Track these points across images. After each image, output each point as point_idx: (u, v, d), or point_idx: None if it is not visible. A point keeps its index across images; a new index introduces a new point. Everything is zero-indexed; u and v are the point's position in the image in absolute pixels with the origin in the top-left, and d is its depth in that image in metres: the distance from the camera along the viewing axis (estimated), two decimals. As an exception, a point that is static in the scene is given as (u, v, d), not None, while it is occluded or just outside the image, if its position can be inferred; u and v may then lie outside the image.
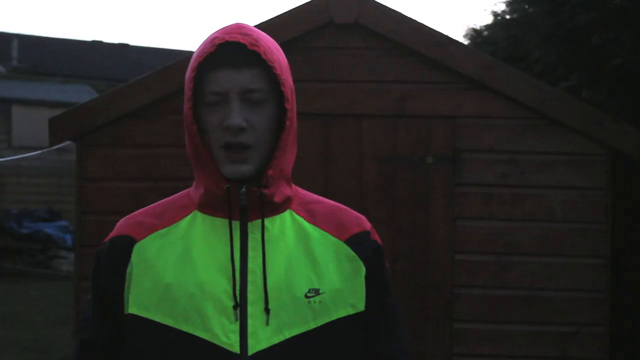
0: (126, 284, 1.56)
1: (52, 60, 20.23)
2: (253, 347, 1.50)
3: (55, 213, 13.75)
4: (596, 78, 5.01)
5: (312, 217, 1.61)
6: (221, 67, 1.51)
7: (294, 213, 1.60)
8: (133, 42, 48.03)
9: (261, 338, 1.50)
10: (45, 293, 10.30)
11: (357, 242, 1.60)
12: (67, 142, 4.57)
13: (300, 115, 4.77)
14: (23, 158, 10.96)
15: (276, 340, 1.51)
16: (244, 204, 1.54)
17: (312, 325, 1.53)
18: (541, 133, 4.24)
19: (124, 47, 23.49)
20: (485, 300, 4.23)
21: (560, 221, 4.23)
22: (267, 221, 1.56)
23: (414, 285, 4.25)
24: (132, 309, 1.54)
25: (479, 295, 4.23)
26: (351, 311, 1.57)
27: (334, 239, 1.59)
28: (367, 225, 1.65)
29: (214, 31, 1.56)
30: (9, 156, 12.89)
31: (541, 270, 4.22)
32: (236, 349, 1.49)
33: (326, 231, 1.60)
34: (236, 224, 1.55)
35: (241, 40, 1.50)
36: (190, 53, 5.35)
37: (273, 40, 1.58)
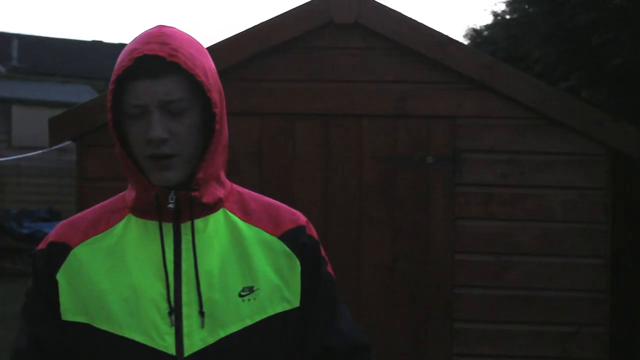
0: (61, 290, 1.56)
1: (52, 60, 20.22)
2: (189, 349, 1.50)
3: (55, 213, 13.75)
4: (596, 78, 5.01)
5: (246, 214, 1.61)
6: (140, 77, 1.50)
7: (227, 212, 1.61)
8: (133, 42, 47.92)
9: (196, 339, 1.51)
10: (45, 293, 10.29)
11: (292, 238, 1.61)
12: (67, 142, 4.56)
13: (300, 115, 4.79)
14: (23, 158, 10.95)
15: (211, 340, 1.51)
16: (172, 208, 1.54)
17: (248, 322, 1.54)
18: (541, 133, 4.23)
19: (123, 47, 23.43)
20: (485, 300, 4.23)
21: (560, 221, 4.23)
22: (199, 222, 1.56)
23: (414, 285, 4.25)
24: (68, 315, 1.55)
25: (479, 295, 4.23)
26: (287, 306, 1.58)
27: (268, 235, 1.60)
28: (302, 219, 1.65)
29: (134, 39, 1.54)
30: (9, 156, 12.89)
31: (541, 270, 4.22)
32: (172, 350, 1.50)
33: (260, 228, 1.60)
34: (169, 227, 1.56)
35: (159, 53, 1.49)
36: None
37: (196, 43, 1.56)
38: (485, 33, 7.67)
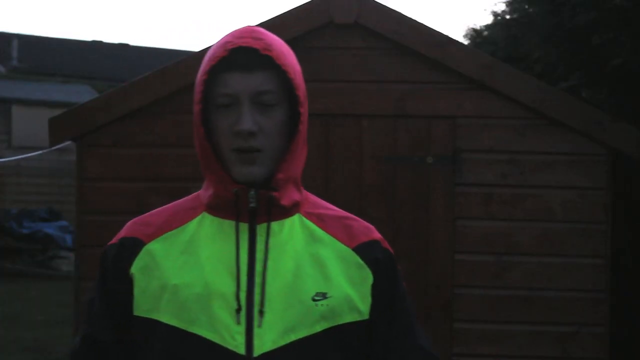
0: (134, 286, 1.55)
1: (52, 60, 20.22)
2: (259, 349, 1.50)
3: (55, 213, 13.76)
4: (596, 78, 5.01)
5: (322, 222, 1.61)
6: (232, 70, 1.51)
7: (303, 217, 1.60)
8: (133, 42, 48.03)
9: (267, 340, 1.50)
10: (45, 293, 10.30)
11: (366, 251, 1.60)
12: (67, 142, 4.56)
13: (300, 115, 4.74)
14: (23, 158, 10.95)
15: (282, 342, 1.51)
16: (253, 207, 1.53)
17: (318, 328, 1.53)
18: (541, 133, 4.24)
19: (124, 47, 23.50)
20: (485, 300, 4.23)
21: (560, 221, 4.23)
22: (275, 224, 1.55)
23: (414, 285, 4.25)
24: (139, 310, 1.55)
25: (479, 295, 4.23)
26: (357, 317, 1.57)
27: (342, 245, 1.59)
28: (377, 235, 1.65)
29: (225, 35, 1.56)
30: (9, 156, 12.89)
31: (541, 270, 4.22)
32: (242, 350, 1.49)
33: (335, 237, 1.60)
34: (245, 227, 1.55)
35: (254, 45, 1.51)
36: (190, 53, 5.35)
37: (286, 45, 1.58)
38: (485, 33, 7.66)
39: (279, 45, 1.54)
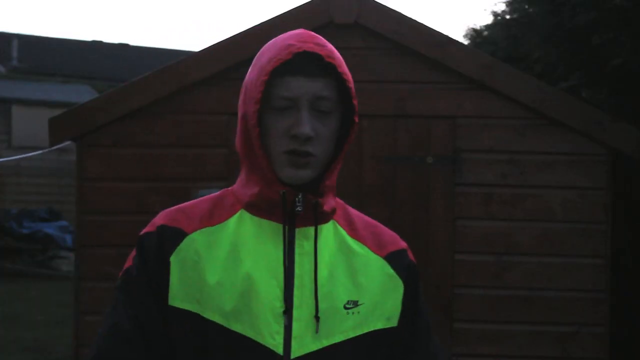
0: (172, 274, 1.53)
1: (52, 60, 20.22)
2: (296, 351, 1.51)
3: (55, 213, 13.76)
4: (596, 78, 5.01)
5: (353, 230, 1.63)
6: (294, 74, 1.51)
7: (337, 224, 1.62)
8: (133, 42, 48.04)
9: (304, 343, 1.51)
10: (45, 293, 10.30)
11: (396, 260, 1.62)
12: (67, 142, 4.56)
13: (300, 115, 4.73)
14: (23, 158, 10.95)
15: (317, 346, 1.52)
16: (299, 211, 1.54)
17: (350, 334, 1.55)
18: (541, 133, 4.24)
19: (124, 47, 23.50)
20: (485, 300, 4.23)
21: (560, 221, 4.23)
22: (312, 229, 1.56)
23: (414, 285, 4.25)
24: (177, 301, 1.52)
25: (479, 295, 4.23)
26: (387, 324, 1.59)
27: (373, 254, 1.61)
28: (403, 243, 1.67)
29: (281, 37, 1.56)
30: (9, 156, 12.89)
31: (541, 270, 4.22)
32: (280, 350, 1.50)
33: (366, 245, 1.62)
34: (282, 229, 1.55)
35: (318, 52, 1.52)
36: (190, 53, 5.34)
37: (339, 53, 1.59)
38: (485, 33, 7.66)
39: (338, 54, 1.57)
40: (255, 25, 4.27)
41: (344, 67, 1.54)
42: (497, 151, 4.26)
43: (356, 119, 1.56)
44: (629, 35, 4.32)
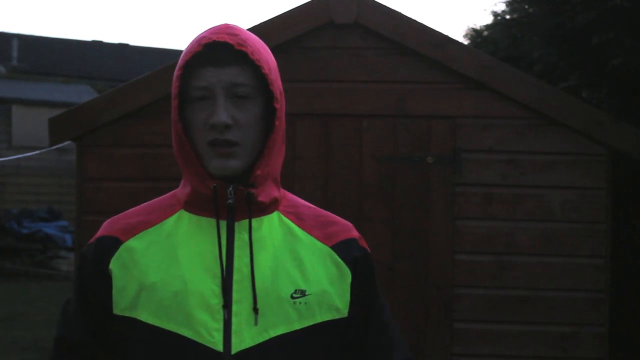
0: (112, 284, 1.55)
1: (52, 60, 20.23)
2: (237, 346, 1.50)
3: (55, 213, 13.76)
4: (596, 78, 5.00)
5: (300, 220, 1.62)
6: (207, 65, 1.52)
7: (282, 215, 1.61)
8: (133, 42, 48.03)
9: (245, 337, 1.50)
10: (45, 293, 10.31)
11: (344, 249, 1.61)
12: (67, 142, 4.56)
13: (300, 115, 4.78)
14: (23, 158, 10.95)
15: (260, 339, 1.51)
16: (231, 203, 1.53)
17: (297, 326, 1.53)
18: (541, 133, 4.24)
19: (124, 47, 23.50)
20: (485, 300, 4.23)
21: (560, 221, 4.23)
22: (254, 221, 1.56)
23: (414, 285, 4.25)
24: (118, 309, 1.55)
25: (479, 295, 4.23)
26: (336, 315, 1.58)
27: (320, 244, 1.60)
28: (355, 233, 1.66)
29: (202, 31, 1.57)
30: (9, 156, 12.89)
31: (541, 270, 4.22)
32: (219, 347, 1.49)
33: (313, 236, 1.61)
34: (222, 223, 1.55)
35: (228, 40, 1.52)
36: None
37: (262, 42, 1.59)
38: (485, 33, 7.65)
39: (254, 42, 1.55)
40: (255, 25, 4.27)
41: (258, 55, 1.53)
42: (497, 151, 4.26)
43: (276, 105, 1.54)
44: (629, 35, 4.31)
